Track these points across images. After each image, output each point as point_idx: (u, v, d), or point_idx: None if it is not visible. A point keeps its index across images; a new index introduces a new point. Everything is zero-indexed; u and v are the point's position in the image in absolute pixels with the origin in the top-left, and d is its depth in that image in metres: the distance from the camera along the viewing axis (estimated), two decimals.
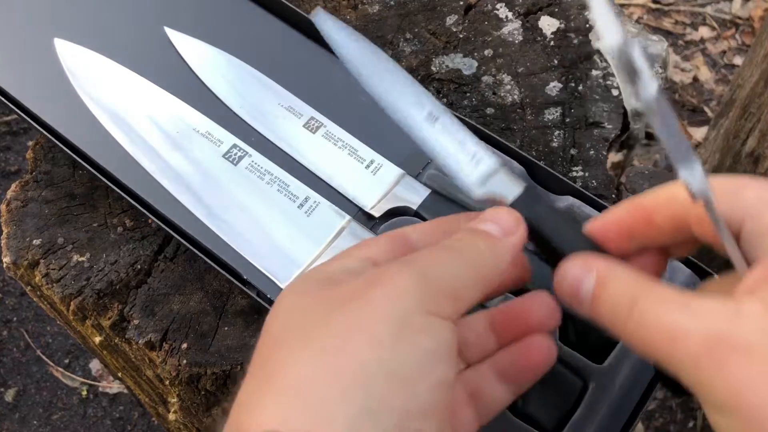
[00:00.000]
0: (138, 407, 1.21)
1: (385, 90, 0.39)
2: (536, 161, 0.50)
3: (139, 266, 0.49)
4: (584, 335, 0.44)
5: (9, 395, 1.23)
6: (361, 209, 0.49)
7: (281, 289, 0.44)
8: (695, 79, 1.77)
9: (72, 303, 0.48)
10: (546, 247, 0.39)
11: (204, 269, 0.50)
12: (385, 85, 0.39)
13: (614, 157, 0.60)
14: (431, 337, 0.27)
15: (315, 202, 0.48)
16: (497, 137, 0.50)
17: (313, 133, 0.52)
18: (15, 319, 1.30)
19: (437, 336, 0.27)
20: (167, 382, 0.48)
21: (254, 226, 0.48)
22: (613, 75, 0.58)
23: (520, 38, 0.60)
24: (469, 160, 0.39)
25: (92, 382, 1.24)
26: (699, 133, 1.61)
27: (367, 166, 0.50)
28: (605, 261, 0.31)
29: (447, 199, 0.48)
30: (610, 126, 0.56)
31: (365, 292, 0.27)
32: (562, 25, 0.61)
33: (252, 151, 0.50)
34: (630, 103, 0.57)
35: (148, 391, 0.61)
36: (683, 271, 0.46)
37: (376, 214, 0.49)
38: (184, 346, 0.47)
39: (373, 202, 0.49)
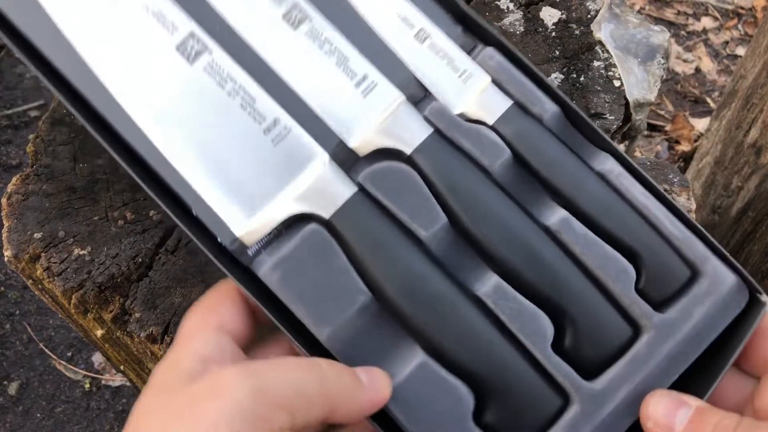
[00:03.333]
0: None
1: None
2: (575, 107, 0.42)
3: (140, 259, 0.49)
4: (581, 344, 0.38)
5: (12, 388, 1.23)
6: (341, 143, 0.39)
7: (235, 237, 0.37)
8: (697, 69, 1.76)
9: (73, 296, 0.48)
10: (528, 166, 0.41)
11: (205, 262, 0.50)
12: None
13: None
14: None
15: (285, 127, 0.38)
16: (534, 68, 0.42)
17: (295, 28, 0.39)
18: (17, 312, 1.30)
19: None
20: None
21: (207, 150, 0.37)
22: (614, 66, 0.58)
23: (522, 29, 0.60)
24: (458, 77, 0.41)
25: (95, 375, 1.25)
26: (701, 124, 1.61)
27: (358, 84, 0.39)
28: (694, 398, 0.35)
29: (450, 144, 0.40)
30: (611, 117, 0.56)
31: (200, 404, 0.29)
32: (564, 16, 0.61)
33: (213, 47, 0.38)
34: (632, 94, 0.57)
35: None
36: (728, 278, 0.39)
37: (360, 152, 0.39)
38: None
39: (357, 135, 0.39)
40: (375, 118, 0.39)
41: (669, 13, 1.82)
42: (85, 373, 1.25)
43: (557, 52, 0.59)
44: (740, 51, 1.75)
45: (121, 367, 0.63)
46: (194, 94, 0.37)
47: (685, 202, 0.54)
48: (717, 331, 0.38)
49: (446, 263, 0.38)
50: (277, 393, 0.29)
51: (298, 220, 0.38)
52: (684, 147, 1.57)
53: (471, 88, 0.41)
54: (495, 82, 0.42)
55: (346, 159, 0.39)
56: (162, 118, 0.37)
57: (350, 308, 0.37)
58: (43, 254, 0.49)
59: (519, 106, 0.42)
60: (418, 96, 0.41)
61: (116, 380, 1.24)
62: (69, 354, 1.27)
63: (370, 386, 0.34)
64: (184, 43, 0.38)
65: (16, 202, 0.51)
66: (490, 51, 0.42)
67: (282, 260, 0.37)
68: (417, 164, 0.39)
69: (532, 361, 0.37)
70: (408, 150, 0.39)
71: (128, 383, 1.20)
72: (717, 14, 1.84)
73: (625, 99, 0.57)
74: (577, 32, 0.60)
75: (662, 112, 1.64)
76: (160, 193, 0.36)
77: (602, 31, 0.60)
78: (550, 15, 0.61)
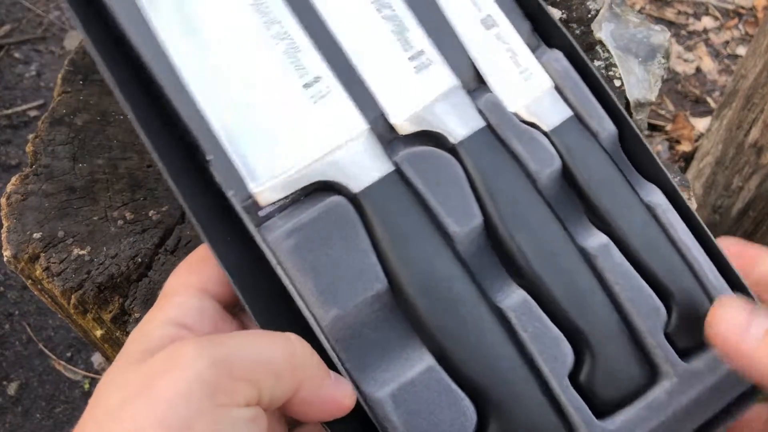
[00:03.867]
0: None
1: None
2: (637, 131, 0.39)
3: (139, 259, 0.49)
4: (598, 378, 0.35)
5: (11, 389, 1.23)
6: (383, 116, 0.36)
7: (249, 194, 0.33)
8: (698, 69, 1.76)
9: (73, 296, 0.48)
10: (575, 182, 0.39)
11: None
12: None
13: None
14: None
15: (326, 87, 0.35)
16: (602, 81, 0.40)
17: None
18: (17, 312, 1.30)
19: None
20: None
21: (239, 93, 0.34)
22: (615, 65, 0.58)
23: None
24: (519, 74, 0.38)
25: (94, 376, 1.24)
26: (702, 124, 1.61)
27: (412, 58, 0.37)
28: None
29: (499, 142, 0.37)
30: None
31: (157, 380, 0.26)
32: (564, 15, 0.61)
33: None
34: (632, 94, 0.57)
35: None
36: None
37: (401, 130, 0.36)
38: None
39: (401, 112, 0.36)
40: (424, 98, 0.36)
41: (669, 13, 1.82)
42: (84, 373, 1.25)
43: None
44: (741, 51, 1.75)
45: None
46: (236, 30, 0.34)
47: (686, 202, 0.54)
48: (741, 389, 0.37)
49: (472, 266, 0.35)
50: (241, 363, 0.27)
51: (320, 189, 0.34)
52: (685, 147, 1.57)
53: (531, 89, 0.39)
54: (557, 87, 0.39)
55: (384, 134, 0.36)
56: (197, 47, 0.34)
57: (363, 294, 0.33)
58: (42, 254, 0.49)
59: (577, 117, 0.39)
60: (473, 85, 0.38)
61: None
62: (68, 354, 1.26)
63: (336, 384, 0.31)
64: None
65: (15, 202, 0.51)
66: (556, 53, 0.40)
67: (299, 227, 0.33)
68: (460, 156, 0.36)
69: (545, 389, 0.34)
70: (453, 139, 0.36)
71: None
72: (717, 14, 1.84)
73: (626, 99, 0.57)
74: (577, 32, 0.60)
75: (663, 112, 1.64)
76: (156, 139, 0.33)
77: (603, 31, 0.60)
78: None
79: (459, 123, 0.37)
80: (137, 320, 0.47)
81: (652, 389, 0.36)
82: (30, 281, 0.53)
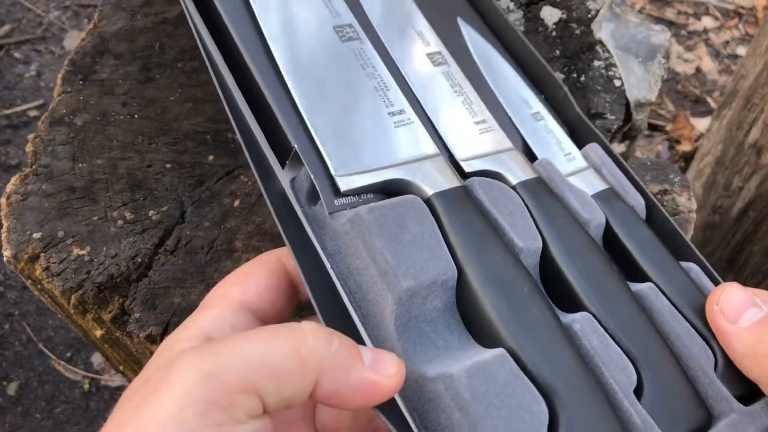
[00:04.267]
0: None
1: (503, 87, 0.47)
2: (663, 210, 0.44)
3: (139, 259, 0.49)
4: (657, 408, 0.34)
5: (11, 389, 1.23)
6: (450, 155, 0.41)
7: (331, 176, 0.36)
8: (698, 69, 1.76)
9: (72, 296, 0.48)
10: (616, 249, 0.41)
11: (205, 262, 0.49)
12: (501, 82, 0.47)
13: (617, 148, 0.60)
14: None
15: (409, 119, 0.40)
16: (628, 168, 0.46)
17: (435, 65, 0.45)
18: (17, 312, 1.30)
19: None
20: None
21: (333, 105, 0.39)
22: (615, 65, 0.58)
23: (522, 29, 0.60)
24: (564, 156, 0.45)
25: (94, 376, 1.24)
26: (702, 124, 1.61)
27: (477, 123, 0.43)
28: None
29: (550, 190, 0.41)
30: (612, 117, 0.56)
31: (150, 399, 0.25)
32: (564, 16, 0.61)
33: (365, 39, 0.43)
34: (632, 94, 0.57)
35: None
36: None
37: (467, 168, 0.40)
38: None
39: (468, 154, 0.41)
40: (487, 149, 0.41)
41: (669, 13, 1.81)
42: (84, 373, 1.25)
43: (558, 52, 0.59)
44: (741, 51, 1.75)
45: (121, 368, 0.63)
46: (338, 64, 0.41)
47: (686, 202, 0.54)
48: None
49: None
50: (234, 372, 0.25)
51: (393, 193, 0.37)
52: (685, 147, 1.57)
53: (573, 166, 0.45)
54: (595, 169, 0.45)
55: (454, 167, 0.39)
56: (305, 71, 0.40)
57: (436, 274, 0.33)
58: (42, 254, 0.49)
59: (614, 192, 0.44)
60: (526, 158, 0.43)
61: (115, 381, 1.24)
62: (68, 354, 1.26)
63: (373, 366, 0.28)
64: (343, 27, 0.43)
65: (15, 202, 0.51)
66: (593, 145, 0.46)
67: (379, 207, 0.34)
68: (520, 193, 0.39)
69: (613, 398, 0.33)
70: (514, 180, 0.40)
71: (128, 383, 1.20)
72: (718, 14, 1.84)
73: (626, 99, 0.57)
74: (577, 32, 0.60)
75: (663, 112, 1.64)
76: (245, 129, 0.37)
77: (603, 31, 0.60)
78: (550, 14, 0.61)
79: (518, 168, 0.41)
80: (137, 320, 0.47)
81: (713, 428, 0.34)
82: (30, 281, 0.53)
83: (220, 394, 0.24)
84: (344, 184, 0.36)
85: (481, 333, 0.33)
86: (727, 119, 1.11)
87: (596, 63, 0.58)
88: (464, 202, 0.37)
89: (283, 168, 0.37)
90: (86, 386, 1.24)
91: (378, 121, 0.39)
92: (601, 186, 0.44)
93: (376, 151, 0.38)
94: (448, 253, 0.34)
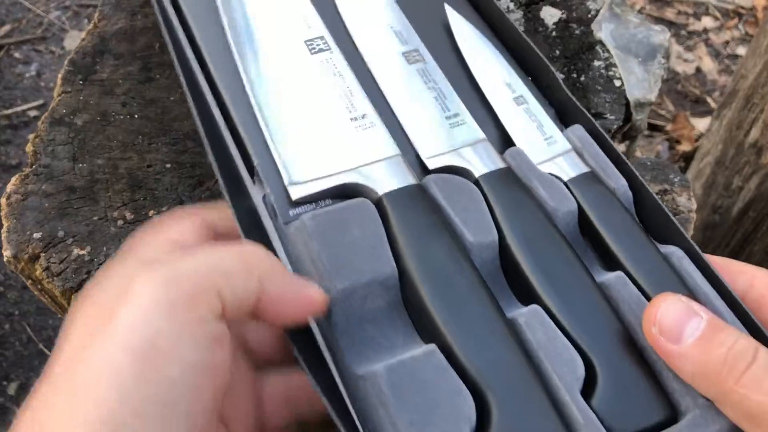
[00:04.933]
0: None
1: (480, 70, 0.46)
2: (651, 192, 0.41)
3: None
4: (609, 407, 0.33)
5: (11, 389, 1.23)
6: (416, 154, 0.41)
7: (284, 188, 0.38)
8: (698, 69, 1.76)
9: (73, 296, 0.48)
10: (594, 234, 0.40)
11: None
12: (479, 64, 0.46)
13: (617, 148, 0.60)
14: (180, 363, 0.26)
15: (371, 122, 0.41)
16: (615, 148, 0.44)
17: (410, 63, 0.46)
18: (17, 312, 1.30)
19: (189, 358, 0.26)
20: None
21: (295, 116, 0.41)
22: (615, 65, 0.58)
23: (522, 28, 0.60)
24: (544, 139, 0.44)
25: None
26: (702, 124, 1.61)
27: (449, 117, 0.43)
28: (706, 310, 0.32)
29: (517, 180, 0.41)
30: (612, 117, 0.56)
31: (115, 312, 0.26)
32: (564, 16, 0.61)
33: (335, 48, 0.45)
34: (632, 94, 0.57)
35: None
36: None
37: (431, 165, 0.41)
38: None
39: (432, 152, 0.41)
40: (454, 144, 0.42)
41: (669, 13, 1.81)
42: None
43: (558, 52, 0.59)
44: (741, 51, 1.75)
45: None
46: (305, 76, 0.43)
47: (686, 202, 0.54)
48: None
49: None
50: (190, 276, 0.27)
51: (347, 197, 0.37)
52: (685, 147, 1.57)
53: (553, 150, 0.44)
54: (577, 152, 0.44)
55: (414, 167, 0.40)
56: (269, 86, 0.42)
57: (374, 274, 0.34)
58: (42, 254, 0.49)
59: (595, 175, 0.42)
60: (502, 146, 0.43)
61: None
62: None
63: (302, 281, 0.31)
64: (313, 41, 0.45)
65: (15, 202, 0.51)
66: (577, 127, 0.45)
67: (321, 213, 0.36)
68: (482, 187, 0.39)
69: (555, 393, 0.32)
70: (477, 172, 0.40)
71: None
72: (718, 14, 1.84)
73: (626, 99, 0.57)
74: (577, 32, 0.60)
75: (663, 112, 1.64)
76: (212, 137, 0.38)
77: (603, 31, 0.60)
78: (550, 14, 0.61)
79: (483, 162, 0.41)
80: None
81: (675, 425, 0.33)
82: (30, 281, 0.53)
83: (182, 295, 0.26)
84: (295, 192, 0.37)
85: (423, 330, 0.34)
86: (727, 119, 1.11)
87: (596, 63, 0.58)
88: (414, 200, 0.37)
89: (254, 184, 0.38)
90: None
91: (339, 128, 0.40)
92: (581, 169, 0.42)
93: (333, 158, 0.39)
94: (389, 253, 0.35)
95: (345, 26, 0.47)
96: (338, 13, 0.48)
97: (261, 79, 0.42)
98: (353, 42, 0.47)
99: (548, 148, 0.44)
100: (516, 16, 0.61)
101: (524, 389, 0.32)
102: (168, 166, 0.53)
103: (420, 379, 0.31)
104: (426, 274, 0.34)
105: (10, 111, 1.49)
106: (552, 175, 0.42)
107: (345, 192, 0.38)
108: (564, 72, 0.58)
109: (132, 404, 0.25)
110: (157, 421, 0.25)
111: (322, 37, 0.45)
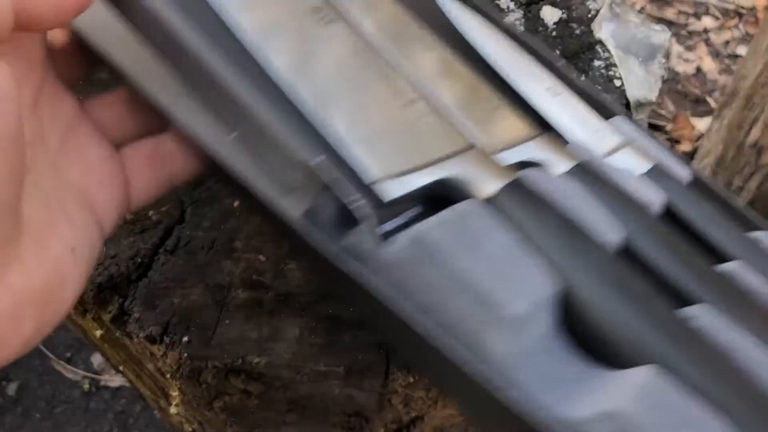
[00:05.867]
0: (140, 401, 1.22)
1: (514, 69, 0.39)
2: (707, 180, 0.38)
3: (139, 259, 0.49)
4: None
5: (11, 389, 1.23)
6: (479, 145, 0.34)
7: (366, 189, 0.30)
8: (698, 69, 1.76)
9: None
10: (678, 219, 0.36)
11: (205, 262, 0.49)
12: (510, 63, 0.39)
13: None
14: None
15: (425, 107, 0.34)
16: (659, 142, 0.40)
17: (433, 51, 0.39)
18: None
19: None
20: (168, 376, 0.48)
21: (342, 102, 0.33)
22: (615, 65, 0.58)
23: (522, 28, 0.60)
24: (594, 132, 0.38)
25: (94, 376, 1.24)
26: (702, 123, 1.61)
27: (492, 109, 0.37)
28: None
29: (598, 175, 0.35)
30: None
31: None
32: (564, 15, 0.61)
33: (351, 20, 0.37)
34: (632, 94, 0.57)
35: (149, 384, 0.61)
36: None
37: (502, 161, 0.33)
38: (185, 339, 0.47)
39: (496, 145, 0.34)
40: (511, 136, 0.35)
41: (669, 13, 1.82)
42: (84, 373, 1.25)
43: (557, 52, 0.59)
44: (741, 50, 1.75)
45: (121, 368, 0.63)
46: (328, 53, 0.34)
47: None
48: None
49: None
50: None
51: (439, 199, 0.31)
52: (685, 147, 1.57)
53: (607, 145, 0.38)
54: (629, 146, 0.39)
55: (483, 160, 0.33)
56: (298, 71, 0.34)
57: (542, 289, 0.28)
58: None
59: (661, 168, 0.38)
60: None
61: (115, 381, 1.24)
62: (68, 354, 1.26)
63: None
64: (319, 9, 0.36)
65: None
66: (618, 118, 0.40)
67: (442, 222, 0.29)
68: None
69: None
70: (555, 171, 0.34)
71: (127, 384, 1.20)
72: (718, 14, 1.84)
73: (626, 99, 0.57)
74: (577, 32, 0.60)
75: (663, 112, 1.64)
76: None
77: (603, 31, 0.60)
78: (550, 14, 0.61)
79: (555, 158, 0.35)
80: (137, 320, 0.47)
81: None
82: None
83: None
84: (387, 190, 0.30)
85: (605, 350, 0.27)
86: (728, 119, 1.11)
87: (596, 63, 0.58)
88: (530, 198, 0.31)
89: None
90: (86, 386, 1.24)
91: (393, 115, 0.33)
92: (644, 164, 0.38)
93: (406, 150, 0.31)
94: (547, 261, 0.28)
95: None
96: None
97: (285, 63, 0.34)
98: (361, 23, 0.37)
99: (600, 143, 0.39)
100: (516, 16, 0.61)
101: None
102: None
103: (675, 409, 0.25)
104: (598, 282, 0.28)
105: None
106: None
107: (435, 194, 0.31)
108: None
109: None
110: None
111: (324, 7, 0.37)
